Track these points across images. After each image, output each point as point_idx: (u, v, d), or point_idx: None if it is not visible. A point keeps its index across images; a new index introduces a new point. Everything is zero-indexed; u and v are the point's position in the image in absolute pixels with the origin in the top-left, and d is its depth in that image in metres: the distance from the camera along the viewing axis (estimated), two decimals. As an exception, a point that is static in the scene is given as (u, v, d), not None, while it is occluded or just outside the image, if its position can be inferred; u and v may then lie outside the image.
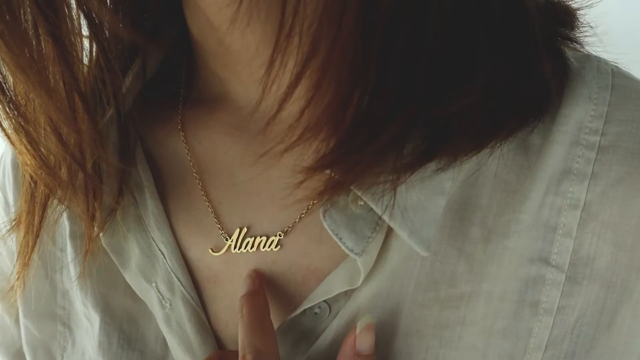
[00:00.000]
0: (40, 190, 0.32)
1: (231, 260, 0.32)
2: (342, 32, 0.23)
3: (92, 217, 0.31)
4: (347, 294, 0.29)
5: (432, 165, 0.26)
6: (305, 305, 0.29)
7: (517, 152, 0.28)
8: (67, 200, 0.31)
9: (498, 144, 0.27)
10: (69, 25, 0.27)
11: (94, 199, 0.31)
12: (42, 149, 0.28)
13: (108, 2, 0.31)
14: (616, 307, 0.27)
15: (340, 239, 0.27)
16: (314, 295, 0.29)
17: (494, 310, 0.28)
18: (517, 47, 0.26)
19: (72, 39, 0.27)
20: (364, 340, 0.27)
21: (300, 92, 0.24)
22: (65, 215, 0.34)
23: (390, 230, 0.28)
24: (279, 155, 0.26)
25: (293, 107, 0.24)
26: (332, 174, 0.25)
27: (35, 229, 0.33)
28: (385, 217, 0.26)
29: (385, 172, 0.25)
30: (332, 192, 0.26)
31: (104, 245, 0.33)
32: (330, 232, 0.27)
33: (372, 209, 0.27)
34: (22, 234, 0.33)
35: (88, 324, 0.35)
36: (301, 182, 0.26)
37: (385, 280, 0.28)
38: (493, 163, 0.27)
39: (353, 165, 0.25)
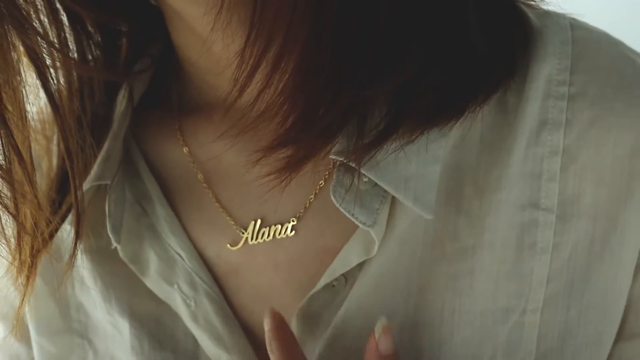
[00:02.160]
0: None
1: (249, 251, 0.34)
2: (294, 25, 0.26)
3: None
4: (360, 265, 0.31)
5: (405, 139, 0.29)
6: (325, 280, 0.31)
7: (497, 113, 0.31)
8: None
9: (476, 108, 0.29)
10: (8, 78, 0.29)
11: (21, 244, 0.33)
12: None
13: (73, 53, 0.33)
14: (604, 237, 0.30)
15: (353, 214, 0.29)
16: (333, 270, 0.31)
17: (498, 257, 0.31)
18: (463, 18, 0.29)
19: (10, 90, 0.29)
20: (384, 343, 0.29)
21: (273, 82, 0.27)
22: (74, 230, 0.36)
23: (393, 201, 0.30)
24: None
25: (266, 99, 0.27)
26: (289, 152, 0.28)
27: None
28: (391, 190, 0.29)
29: (351, 149, 0.28)
30: (290, 169, 0.29)
31: (121, 257, 0.34)
32: (342, 210, 0.29)
33: (376, 184, 0.29)
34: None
35: (115, 331, 0.36)
36: (258, 160, 0.29)
37: (394, 247, 0.31)
38: (476, 127, 0.30)
39: (307, 142, 0.28)
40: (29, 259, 0.33)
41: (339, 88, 0.27)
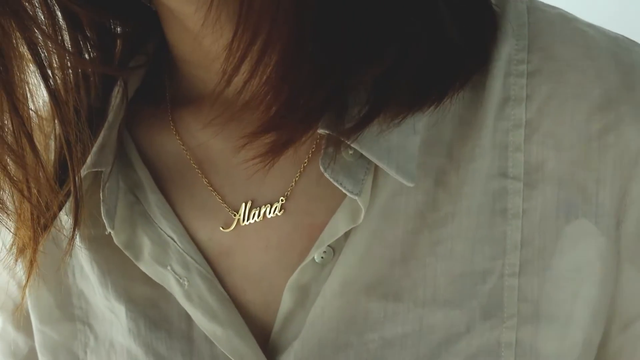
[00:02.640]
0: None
1: (242, 233, 0.36)
2: (278, 20, 0.28)
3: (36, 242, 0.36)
4: (346, 235, 0.33)
5: (387, 122, 0.31)
6: (314, 251, 0.33)
7: (468, 90, 0.33)
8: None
9: (454, 94, 0.32)
10: (17, 73, 0.31)
11: (37, 224, 0.35)
12: None
13: (69, 45, 0.35)
14: (569, 200, 0.32)
15: (341, 184, 0.31)
16: (322, 240, 0.33)
17: (475, 223, 0.33)
18: (436, 9, 0.31)
19: (19, 83, 0.32)
20: None
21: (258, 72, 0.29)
22: (70, 219, 0.37)
23: (375, 174, 0.32)
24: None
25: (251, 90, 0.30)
26: (272, 137, 0.31)
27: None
28: (375, 160, 0.31)
29: (336, 133, 0.31)
30: (273, 153, 0.31)
31: (116, 244, 0.36)
32: (331, 180, 0.31)
33: (361, 155, 0.32)
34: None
35: (113, 316, 0.37)
36: (244, 145, 0.31)
37: (377, 218, 0.33)
38: (449, 104, 0.33)
39: (289, 128, 0.30)
40: (32, 243, 0.35)
41: (320, 78, 0.30)
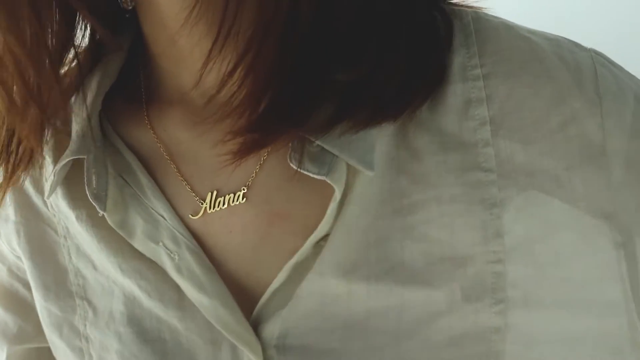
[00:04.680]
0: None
1: (208, 220, 0.39)
2: (269, 38, 0.31)
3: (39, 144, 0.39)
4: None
5: (351, 131, 0.34)
6: (312, 240, 0.35)
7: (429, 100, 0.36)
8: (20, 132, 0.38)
9: (414, 110, 0.35)
10: None
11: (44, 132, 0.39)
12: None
13: None
14: (543, 188, 0.35)
15: (307, 170, 0.34)
16: (320, 231, 0.35)
17: (448, 210, 0.35)
18: (401, 23, 0.35)
19: None
20: None
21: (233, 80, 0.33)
22: (65, 204, 0.41)
23: (349, 167, 0.35)
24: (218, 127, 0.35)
25: (228, 92, 0.33)
26: (247, 138, 0.34)
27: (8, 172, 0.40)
28: (337, 152, 0.34)
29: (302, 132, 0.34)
30: (245, 152, 0.34)
31: (110, 224, 0.39)
32: (296, 168, 0.34)
33: (323, 148, 0.34)
34: None
35: (115, 287, 0.41)
36: (222, 141, 0.34)
37: (352, 207, 0.35)
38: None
39: (261, 133, 0.34)
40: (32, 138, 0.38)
41: (301, 83, 0.33)
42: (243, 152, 0.34)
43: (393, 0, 0.35)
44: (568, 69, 0.35)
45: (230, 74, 0.33)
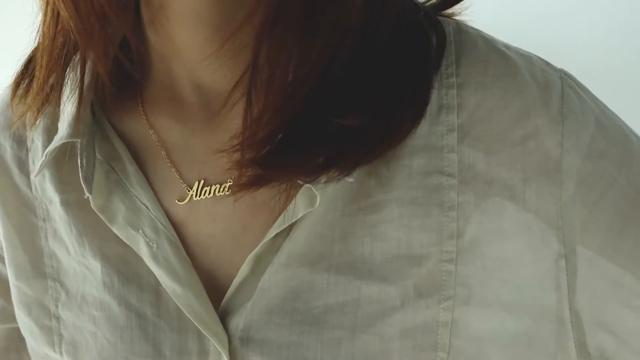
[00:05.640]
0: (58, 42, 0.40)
1: (193, 206, 0.41)
2: (305, 86, 0.34)
3: (106, 56, 0.40)
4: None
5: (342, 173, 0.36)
6: (276, 229, 0.38)
7: None
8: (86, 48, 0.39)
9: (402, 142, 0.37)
10: None
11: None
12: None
13: None
14: (499, 196, 0.37)
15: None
16: (282, 220, 0.38)
17: (408, 212, 0.38)
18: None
19: None
20: None
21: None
22: (52, 188, 0.42)
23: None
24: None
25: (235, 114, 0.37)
26: (254, 173, 0.36)
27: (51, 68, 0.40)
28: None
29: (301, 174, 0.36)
30: (249, 186, 0.36)
31: (92, 207, 0.40)
32: None
33: None
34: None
35: (87, 272, 0.42)
36: (229, 169, 0.36)
37: (323, 203, 0.37)
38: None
39: (271, 170, 0.36)
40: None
41: (308, 130, 0.35)
42: (247, 186, 0.36)
43: (391, 39, 0.37)
44: (537, 86, 0.38)
45: (261, 115, 0.35)
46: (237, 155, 0.36)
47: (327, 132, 0.35)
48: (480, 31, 0.40)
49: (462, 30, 0.40)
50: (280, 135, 0.35)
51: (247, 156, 0.35)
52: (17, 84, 0.44)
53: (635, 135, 0.40)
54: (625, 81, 0.87)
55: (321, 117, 0.35)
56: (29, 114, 0.42)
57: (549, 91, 0.38)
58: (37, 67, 0.40)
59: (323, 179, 0.36)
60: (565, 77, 0.39)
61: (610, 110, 0.41)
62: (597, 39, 0.89)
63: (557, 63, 0.41)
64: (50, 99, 0.41)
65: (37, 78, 0.41)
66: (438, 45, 0.38)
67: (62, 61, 0.40)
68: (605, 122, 0.39)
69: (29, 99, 0.41)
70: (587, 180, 0.37)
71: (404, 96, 0.36)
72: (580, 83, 0.41)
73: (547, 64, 0.40)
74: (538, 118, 0.37)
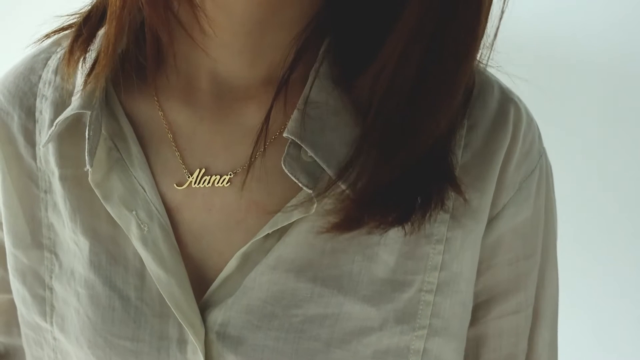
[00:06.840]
0: None
1: (191, 193, 0.41)
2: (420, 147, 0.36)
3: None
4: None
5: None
6: (268, 229, 0.38)
7: None
8: None
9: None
10: None
11: None
12: None
13: None
14: (481, 234, 0.40)
15: (298, 179, 0.37)
16: (275, 222, 0.38)
17: (402, 239, 0.38)
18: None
19: None
20: None
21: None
22: (53, 161, 0.42)
23: (329, 181, 0.37)
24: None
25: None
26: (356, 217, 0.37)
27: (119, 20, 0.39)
28: (325, 167, 0.37)
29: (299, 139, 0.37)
30: (346, 228, 0.37)
31: (89, 181, 0.40)
32: (290, 175, 0.37)
33: (316, 160, 0.37)
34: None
35: (77, 248, 0.42)
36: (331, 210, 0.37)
37: (317, 212, 0.37)
38: None
39: (368, 215, 0.37)
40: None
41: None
42: (343, 229, 0.37)
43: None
44: (521, 151, 0.41)
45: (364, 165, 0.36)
46: (346, 194, 0.37)
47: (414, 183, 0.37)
48: (496, 79, 0.43)
49: (482, 74, 0.41)
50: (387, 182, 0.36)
51: (356, 197, 0.36)
52: (72, 49, 0.43)
53: (555, 249, 0.45)
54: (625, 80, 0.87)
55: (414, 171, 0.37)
56: (92, 76, 0.41)
57: (526, 165, 0.42)
58: (105, 35, 0.40)
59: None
60: (541, 160, 0.43)
61: (554, 208, 0.45)
62: (597, 35, 0.89)
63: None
64: (116, 65, 0.41)
65: (104, 46, 0.40)
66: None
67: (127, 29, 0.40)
68: (545, 215, 0.43)
69: (96, 64, 0.41)
70: (499, 248, 0.42)
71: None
72: (551, 172, 0.44)
73: (540, 139, 0.43)
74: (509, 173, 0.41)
